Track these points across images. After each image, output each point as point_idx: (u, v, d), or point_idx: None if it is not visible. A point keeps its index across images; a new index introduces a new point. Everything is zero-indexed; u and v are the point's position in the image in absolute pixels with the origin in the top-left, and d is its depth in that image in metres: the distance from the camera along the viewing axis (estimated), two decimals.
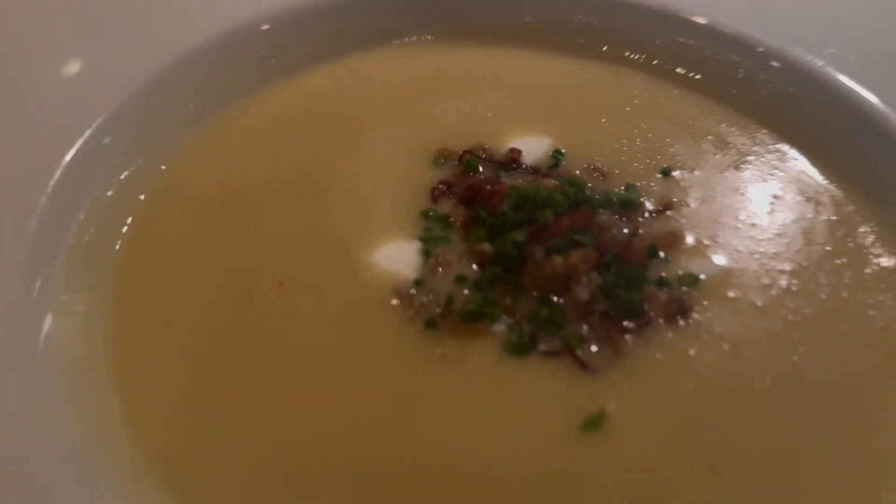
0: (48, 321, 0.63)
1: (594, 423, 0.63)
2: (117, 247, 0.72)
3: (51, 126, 0.72)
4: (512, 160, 0.84)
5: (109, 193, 0.74)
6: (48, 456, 0.54)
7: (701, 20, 0.92)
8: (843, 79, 0.86)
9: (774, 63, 0.89)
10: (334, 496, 0.58)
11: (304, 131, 0.86)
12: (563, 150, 0.85)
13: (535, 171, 0.83)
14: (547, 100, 0.93)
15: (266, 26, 0.85)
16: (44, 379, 0.59)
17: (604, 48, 0.97)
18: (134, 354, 0.65)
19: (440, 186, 0.81)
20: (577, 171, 0.83)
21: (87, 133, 0.73)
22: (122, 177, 0.76)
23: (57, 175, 0.69)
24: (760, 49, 0.90)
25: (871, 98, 0.84)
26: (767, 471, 0.61)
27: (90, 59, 0.80)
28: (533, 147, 0.86)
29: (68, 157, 0.70)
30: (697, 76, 0.94)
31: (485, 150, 0.85)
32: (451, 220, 0.78)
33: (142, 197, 0.76)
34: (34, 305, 0.62)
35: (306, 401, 0.63)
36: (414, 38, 0.97)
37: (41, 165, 0.69)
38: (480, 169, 0.83)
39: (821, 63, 0.88)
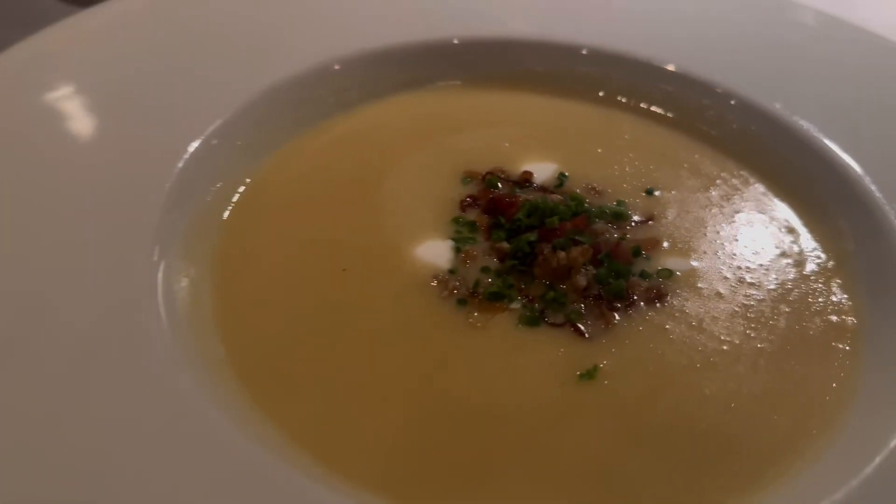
0: (168, 286, 0.80)
1: (589, 374, 0.80)
2: (215, 238, 0.90)
3: (165, 142, 0.92)
4: (525, 180, 1.02)
5: (208, 199, 0.93)
6: (177, 393, 0.70)
7: (679, 71, 1.11)
8: (794, 118, 1.06)
9: (738, 106, 1.08)
10: (389, 421, 0.75)
11: (358, 155, 1.04)
12: (567, 173, 1.03)
13: (543, 189, 1.01)
14: (553, 134, 1.10)
15: (337, 66, 1.04)
16: (165, 329, 0.74)
17: (600, 93, 1.15)
18: (232, 316, 0.82)
19: (467, 199, 0.99)
20: (578, 190, 1.01)
21: (189, 152, 0.92)
22: (217, 186, 0.94)
23: (168, 185, 0.88)
24: (727, 95, 1.08)
25: (816, 133, 1.03)
26: (726, 412, 0.78)
27: (190, 92, 0.99)
28: (542, 170, 1.04)
29: (180, 165, 0.89)
30: (676, 116, 1.13)
31: (503, 172, 1.03)
32: (477, 224, 0.95)
33: (234, 199, 0.95)
34: (158, 273, 0.80)
35: (368, 355, 0.80)
36: (446, 83, 1.15)
37: (158, 175, 0.88)
38: (500, 186, 1.01)
39: (778, 106, 1.07)
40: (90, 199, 0.83)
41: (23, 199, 0.82)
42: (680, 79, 1.12)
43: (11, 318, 0.71)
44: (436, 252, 0.92)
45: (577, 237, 0.91)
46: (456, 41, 1.12)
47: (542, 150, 1.08)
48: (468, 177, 1.03)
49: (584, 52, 1.12)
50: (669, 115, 1.13)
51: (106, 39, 1.03)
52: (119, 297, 0.75)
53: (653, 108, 1.14)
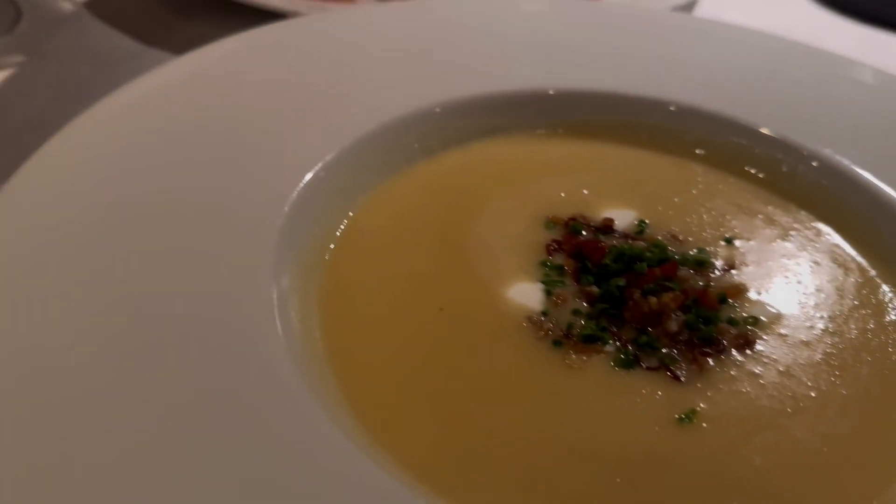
0: (284, 322, 0.82)
1: (688, 417, 0.82)
2: (320, 277, 0.94)
3: (271, 188, 0.96)
4: (607, 226, 1.06)
5: (312, 240, 0.96)
6: (306, 423, 0.73)
7: (751, 125, 1.15)
8: (863, 172, 1.09)
9: (811, 161, 1.12)
10: (499, 455, 0.78)
11: (443, 199, 1.08)
12: (647, 221, 1.08)
13: (625, 235, 1.05)
14: (630, 182, 1.14)
15: (438, 109, 1.09)
16: (288, 364, 0.78)
17: (673, 144, 1.20)
18: (342, 351, 0.85)
19: (553, 244, 1.03)
20: (659, 237, 1.05)
21: (295, 193, 0.96)
22: (318, 228, 0.97)
23: (280, 222, 0.92)
24: (799, 150, 1.12)
25: (884, 188, 1.07)
26: (819, 455, 0.81)
27: (287, 141, 1.03)
28: (622, 217, 1.07)
29: (286, 208, 0.94)
30: (749, 168, 1.17)
31: (584, 218, 1.07)
32: (565, 268, 0.99)
33: (334, 240, 0.99)
34: (274, 311, 0.83)
35: (470, 391, 0.83)
36: (528, 132, 1.19)
37: (268, 220, 0.92)
38: (583, 232, 1.06)
39: (846, 161, 1.11)
40: (209, 232, 0.88)
41: (143, 247, 0.86)
42: (752, 133, 1.16)
43: (138, 353, 0.75)
44: (527, 294, 0.96)
45: (666, 283, 0.94)
46: (552, 91, 1.16)
47: (620, 197, 1.12)
48: (551, 222, 1.06)
49: (672, 108, 1.17)
50: (744, 167, 1.17)
51: (211, 82, 1.07)
52: (243, 334, 0.79)
53: (725, 160, 1.18)
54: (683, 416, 0.83)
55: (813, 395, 0.87)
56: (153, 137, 0.99)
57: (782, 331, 0.94)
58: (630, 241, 1.03)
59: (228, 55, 1.13)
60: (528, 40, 1.27)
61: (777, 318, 0.96)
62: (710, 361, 0.89)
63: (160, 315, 0.78)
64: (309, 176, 0.98)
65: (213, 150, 0.99)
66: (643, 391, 0.86)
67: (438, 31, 1.27)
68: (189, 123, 1.02)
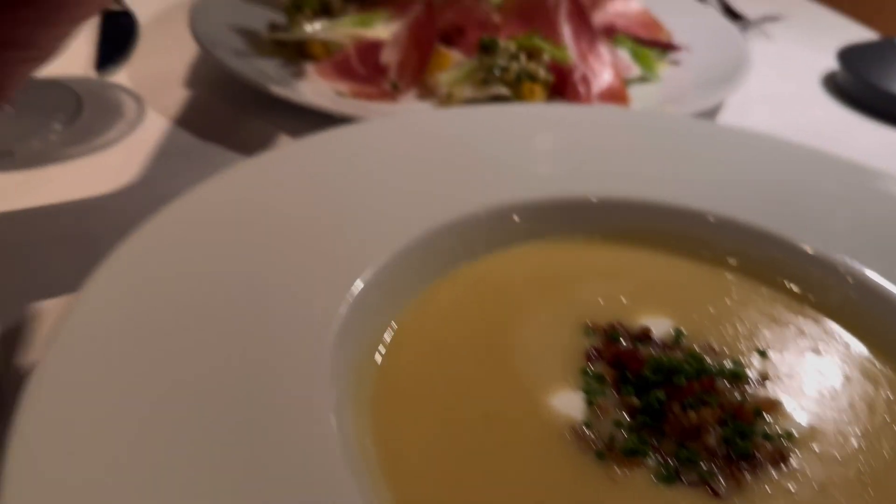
0: (341, 432, 0.87)
1: None
2: (371, 383, 0.98)
3: (325, 294, 1.01)
4: (644, 335, 1.11)
5: (366, 337, 1.01)
6: None
7: (784, 238, 1.20)
8: (890, 286, 1.14)
9: (844, 275, 1.16)
10: None
11: (485, 303, 1.13)
12: (683, 330, 1.12)
13: (663, 345, 1.10)
14: (666, 290, 1.19)
15: (483, 214, 1.16)
16: (347, 478, 0.82)
17: (707, 253, 1.24)
18: (394, 460, 0.89)
19: (593, 351, 1.08)
20: (696, 346, 1.09)
21: (350, 298, 1.01)
22: (373, 329, 1.03)
23: (335, 328, 0.97)
24: (831, 265, 1.17)
25: None
26: None
27: (348, 246, 1.09)
28: (658, 325, 1.11)
29: (342, 312, 0.99)
30: (780, 280, 1.21)
31: (622, 326, 1.12)
32: (605, 377, 1.04)
33: (384, 345, 1.04)
34: (331, 421, 0.87)
35: (512, 501, 0.87)
36: (566, 238, 1.24)
37: (322, 326, 0.97)
38: (622, 340, 1.10)
39: (876, 275, 1.16)
40: (265, 339, 0.92)
41: (204, 353, 0.90)
42: (785, 246, 1.20)
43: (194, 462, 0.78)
44: (569, 403, 0.99)
45: (705, 397, 0.98)
46: (594, 200, 1.23)
47: (657, 305, 1.16)
48: (591, 329, 1.10)
49: (710, 218, 1.22)
50: (776, 279, 1.21)
51: (268, 188, 1.14)
52: (300, 444, 0.82)
53: (758, 271, 1.22)
54: None
55: None
56: (213, 244, 1.04)
57: (815, 446, 0.97)
58: (668, 352, 1.07)
59: (286, 160, 1.20)
60: (567, 147, 1.33)
61: (810, 433, 0.99)
62: (747, 477, 0.92)
63: (216, 421, 0.82)
64: (361, 282, 1.03)
65: (269, 257, 1.04)
66: None
67: (481, 137, 1.33)
68: (245, 231, 1.07)
